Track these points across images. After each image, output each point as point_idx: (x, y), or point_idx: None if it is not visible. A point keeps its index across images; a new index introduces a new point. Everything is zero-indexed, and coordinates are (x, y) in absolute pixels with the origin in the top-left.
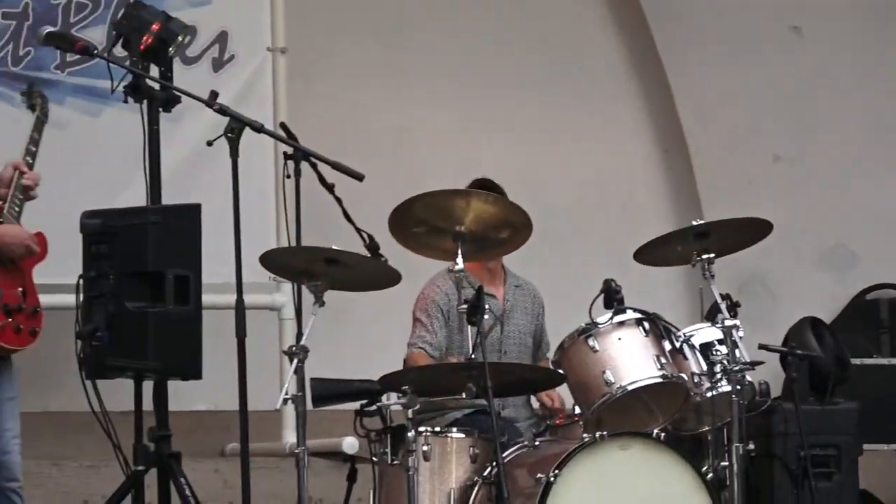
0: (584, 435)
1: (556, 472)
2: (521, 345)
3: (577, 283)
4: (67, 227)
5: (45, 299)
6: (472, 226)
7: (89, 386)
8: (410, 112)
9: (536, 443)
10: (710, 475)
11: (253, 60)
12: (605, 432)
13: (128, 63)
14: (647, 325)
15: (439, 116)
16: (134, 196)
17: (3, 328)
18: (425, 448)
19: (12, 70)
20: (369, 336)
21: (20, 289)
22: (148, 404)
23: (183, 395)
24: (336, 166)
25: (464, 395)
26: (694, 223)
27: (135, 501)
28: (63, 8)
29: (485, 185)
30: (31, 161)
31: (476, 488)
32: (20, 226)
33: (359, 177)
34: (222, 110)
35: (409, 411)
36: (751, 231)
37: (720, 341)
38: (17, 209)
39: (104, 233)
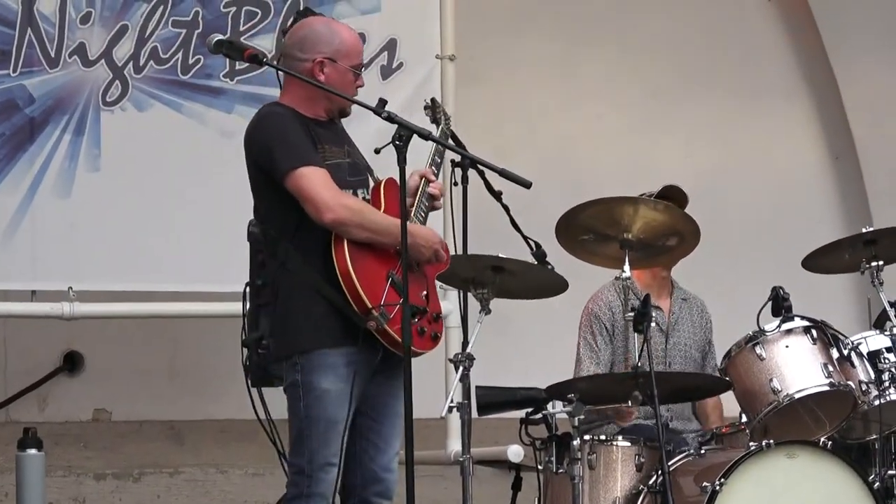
0: (751, 443)
1: (722, 480)
2: (687, 357)
3: (745, 290)
4: (234, 235)
5: (210, 307)
6: (639, 234)
7: (255, 394)
8: (581, 118)
9: (702, 451)
10: (878, 484)
11: (421, 68)
12: (771, 441)
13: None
14: (814, 332)
15: (609, 122)
16: None
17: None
18: (591, 457)
19: (181, 78)
20: (535, 344)
21: (424, 292)
22: None
23: None
24: (503, 173)
25: (630, 403)
26: (863, 230)
27: None
28: (233, 16)
29: (673, 194)
30: (435, 171)
31: (641, 497)
32: (432, 230)
33: (526, 184)
34: (390, 118)
35: (575, 419)
36: None
37: (889, 349)
38: (423, 214)
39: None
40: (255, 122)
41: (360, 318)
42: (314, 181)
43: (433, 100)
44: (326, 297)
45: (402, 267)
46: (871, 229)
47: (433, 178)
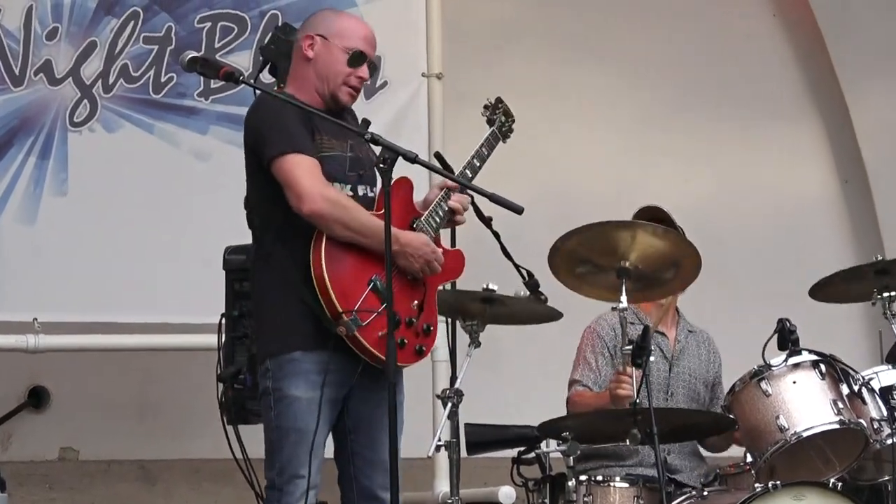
0: (756, 484)
1: None
2: (691, 389)
3: (749, 322)
4: (210, 263)
5: (183, 340)
6: (637, 262)
7: (231, 431)
8: (572, 139)
9: (705, 493)
10: None
11: (407, 87)
12: (778, 482)
13: (275, 89)
14: (823, 367)
15: (603, 143)
16: None
17: (382, 338)
18: (587, 498)
19: (153, 98)
20: (527, 379)
21: (416, 302)
22: None
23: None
24: (494, 198)
25: (628, 442)
26: (875, 258)
27: None
28: (207, 32)
29: (654, 214)
30: (469, 175)
31: None
32: (428, 239)
33: (518, 210)
34: (374, 139)
35: (570, 459)
36: None
37: None
38: (434, 222)
39: (248, 269)
40: (254, 106)
41: (330, 323)
42: (299, 169)
43: (498, 99)
44: (302, 298)
45: (387, 274)
46: (883, 258)
47: (455, 189)
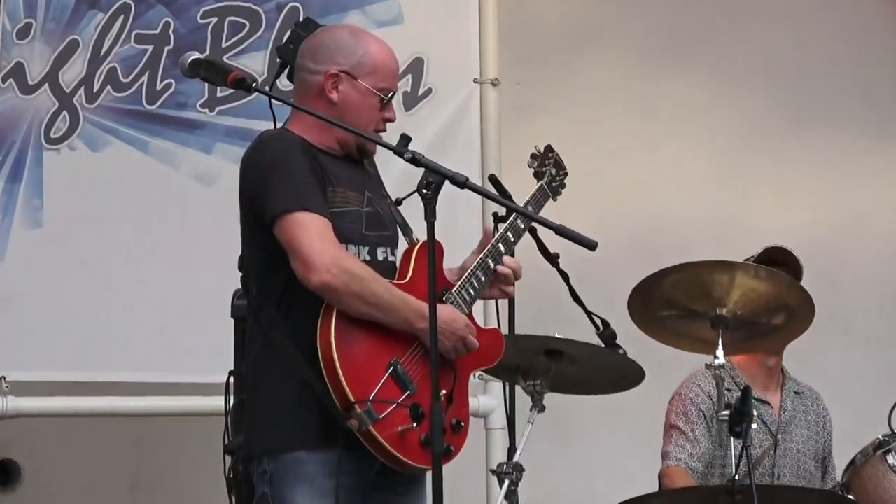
0: None
1: None
2: (800, 468)
3: (870, 381)
4: (215, 310)
5: (182, 403)
6: (736, 308)
7: None
8: (656, 159)
9: None
10: None
11: (456, 95)
12: None
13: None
14: None
15: (692, 166)
16: None
17: (403, 435)
18: None
19: (147, 109)
20: (601, 451)
21: (444, 392)
22: None
23: None
24: (560, 231)
25: None
26: None
27: None
28: (213, 29)
29: (780, 258)
30: (511, 239)
31: None
32: (456, 312)
33: (591, 245)
34: (415, 160)
35: None
36: None
37: None
38: (469, 295)
39: None
40: (254, 148)
41: (340, 415)
42: (307, 231)
43: (548, 147)
44: (307, 384)
45: (432, 355)
46: None
47: (504, 251)
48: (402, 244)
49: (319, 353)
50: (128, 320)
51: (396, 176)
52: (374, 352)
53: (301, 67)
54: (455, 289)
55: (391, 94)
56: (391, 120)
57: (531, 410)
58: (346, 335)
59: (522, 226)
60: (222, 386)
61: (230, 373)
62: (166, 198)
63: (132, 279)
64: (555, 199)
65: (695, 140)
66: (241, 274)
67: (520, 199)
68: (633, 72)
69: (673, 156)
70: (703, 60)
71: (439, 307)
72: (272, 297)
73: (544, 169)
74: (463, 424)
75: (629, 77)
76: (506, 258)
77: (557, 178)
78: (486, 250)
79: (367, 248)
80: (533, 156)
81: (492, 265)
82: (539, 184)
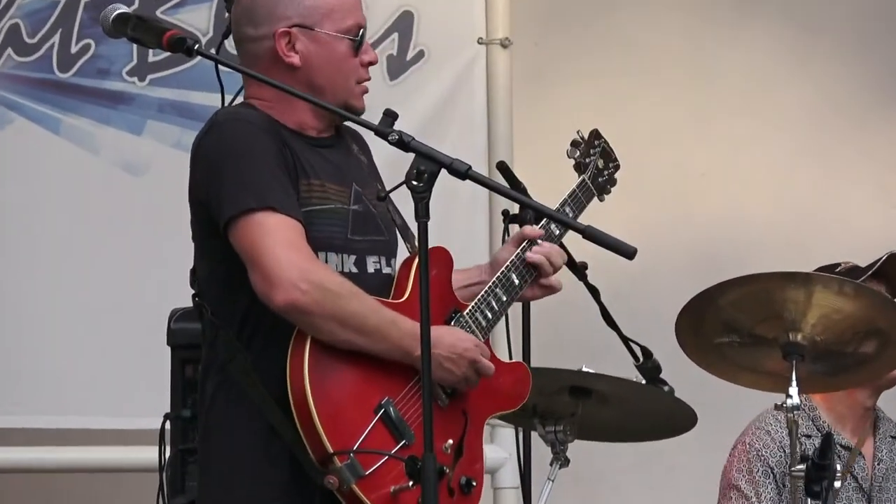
0: None
1: None
2: None
3: None
4: (146, 336)
5: (105, 455)
6: (815, 333)
7: None
8: (713, 143)
9: None
10: None
11: (455, 59)
12: None
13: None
14: None
15: (763, 151)
16: None
17: (396, 496)
18: None
19: (59, 77)
20: None
21: (449, 442)
22: None
23: None
24: (590, 235)
25: None
26: None
27: None
28: None
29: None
30: (556, 233)
31: None
32: (467, 336)
33: (629, 253)
34: (402, 142)
35: None
36: None
37: None
38: (487, 317)
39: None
40: (206, 131)
41: (315, 470)
42: (270, 236)
43: (594, 133)
44: (274, 431)
45: (424, 390)
46: None
47: (540, 238)
48: (403, 252)
49: (290, 392)
50: (32, 350)
51: (379, 164)
52: (359, 390)
53: (241, 38)
54: (467, 311)
55: (361, 29)
56: (373, 62)
57: (551, 464)
58: (324, 369)
59: (557, 232)
60: (156, 433)
61: (166, 416)
62: (83, 189)
63: (37, 295)
64: (601, 199)
65: (763, 119)
66: (192, 292)
67: (536, 193)
68: (684, 32)
69: (735, 138)
70: (773, 18)
71: (437, 328)
72: (231, 322)
73: (589, 160)
74: (475, 484)
75: (678, 38)
76: (544, 244)
77: (606, 173)
78: (508, 262)
79: (353, 258)
80: (574, 143)
81: (516, 281)
82: (581, 178)
